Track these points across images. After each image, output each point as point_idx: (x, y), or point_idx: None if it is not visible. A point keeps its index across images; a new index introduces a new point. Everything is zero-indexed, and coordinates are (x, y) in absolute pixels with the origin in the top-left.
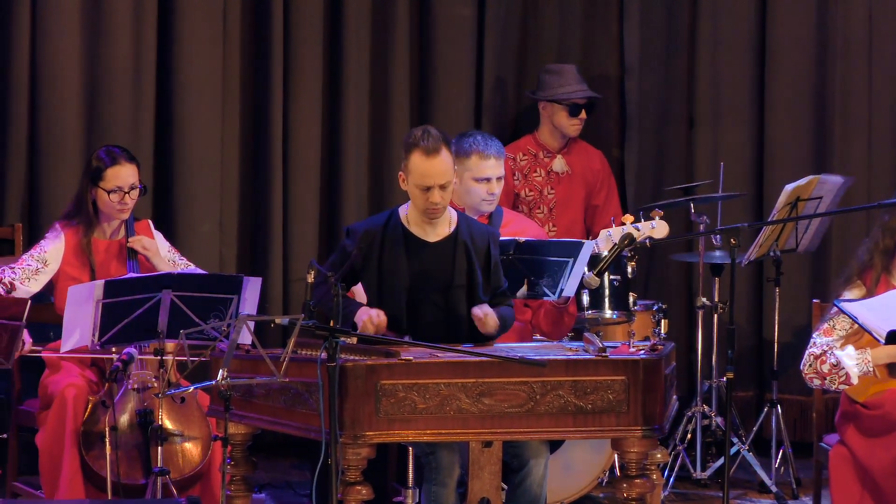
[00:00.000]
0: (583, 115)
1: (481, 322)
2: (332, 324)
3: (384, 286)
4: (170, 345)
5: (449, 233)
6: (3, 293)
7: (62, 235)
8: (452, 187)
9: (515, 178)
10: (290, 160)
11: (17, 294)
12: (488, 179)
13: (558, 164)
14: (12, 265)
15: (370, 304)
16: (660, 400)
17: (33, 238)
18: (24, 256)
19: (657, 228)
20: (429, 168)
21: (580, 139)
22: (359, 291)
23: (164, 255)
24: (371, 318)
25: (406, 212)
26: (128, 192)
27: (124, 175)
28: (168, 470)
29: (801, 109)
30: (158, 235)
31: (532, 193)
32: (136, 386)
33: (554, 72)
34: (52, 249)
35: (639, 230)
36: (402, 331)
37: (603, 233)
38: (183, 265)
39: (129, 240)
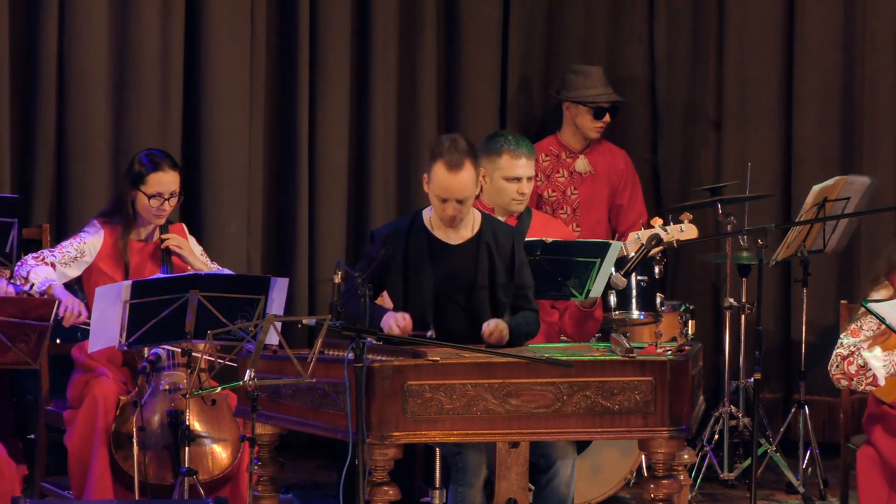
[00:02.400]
0: (606, 118)
1: (489, 339)
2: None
3: (409, 289)
4: (200, 345)
5: (472, 235)
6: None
7: (102, 231)
8: (472, 201)
9: (538, 179)
10: (316, 161)
11: (55, 275)
12: (518, 179)
13: (581, 164)
14: (52, 249)
15: (396, 307)
16: (687, 401)
17: (61, 239)
18: (62, 243)
19: (686, 232)
20: (449, 182)
21: (604, 139)
22: (386, 300)
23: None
24: (396, 321)
25: (430, 214)
26: (167, 200)
27: (166, 182)
28: (196, 471)
29: (828, 110)
30: (192, 239)
31: (555, 194)
32: (166, 387)
33: (580, 73)
34: (91, 241)
35: (667, 233)
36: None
37: (631, 235)
38: (214, 269)
39: (162, 237)
